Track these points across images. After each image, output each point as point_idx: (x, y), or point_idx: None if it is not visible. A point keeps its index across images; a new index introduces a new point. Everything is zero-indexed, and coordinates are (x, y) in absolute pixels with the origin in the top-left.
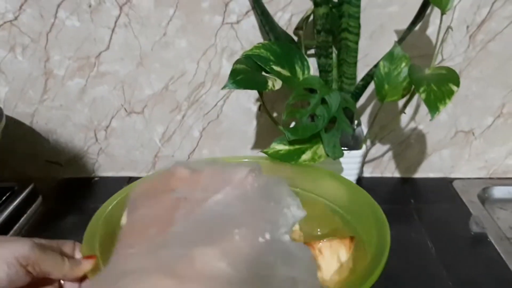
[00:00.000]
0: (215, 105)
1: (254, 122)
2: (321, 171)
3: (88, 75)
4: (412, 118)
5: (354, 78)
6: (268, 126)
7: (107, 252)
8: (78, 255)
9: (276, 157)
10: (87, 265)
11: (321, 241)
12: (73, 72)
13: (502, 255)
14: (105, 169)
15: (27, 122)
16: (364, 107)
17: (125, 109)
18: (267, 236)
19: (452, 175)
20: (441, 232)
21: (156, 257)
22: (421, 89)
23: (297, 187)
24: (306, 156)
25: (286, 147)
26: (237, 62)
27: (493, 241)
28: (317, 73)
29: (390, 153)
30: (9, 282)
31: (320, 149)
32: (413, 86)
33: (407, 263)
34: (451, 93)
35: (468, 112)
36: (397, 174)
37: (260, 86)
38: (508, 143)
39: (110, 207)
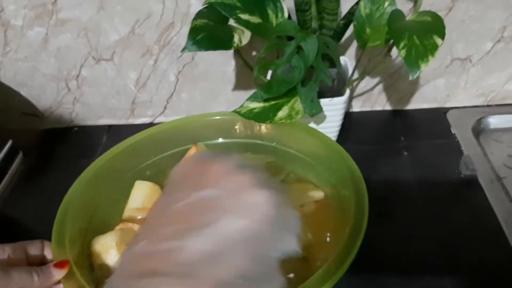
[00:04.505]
0: None
1: (233, 62)
2: (297, 125)
3: (47, 23)
4: None
5: (337, 14)
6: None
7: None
8: (48, 254)
9: (250, 116)
10: (59, 275)
11: None
12: (31, 21)
13: (490, 201)
14: (84, 118)
15: None
16: (350, 40)
17: (93, 56)
18: (240, 280)
19: (447, 105)
20: (429, 175)
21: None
22: (401, 45)
23: (273, 141)
24: (282, 113)
25: (261, 104)
26: (197, 16)
27: (483, 185)
28: (293, 15)
29: (380, 86)
30: None
31: (298, 103)
32: None
33: (391, 212)
34: (435, 48)
35: (465, 38)
36: (388, 107)
37: (224, 44)
38: (508, 68)
39: (80, 188)
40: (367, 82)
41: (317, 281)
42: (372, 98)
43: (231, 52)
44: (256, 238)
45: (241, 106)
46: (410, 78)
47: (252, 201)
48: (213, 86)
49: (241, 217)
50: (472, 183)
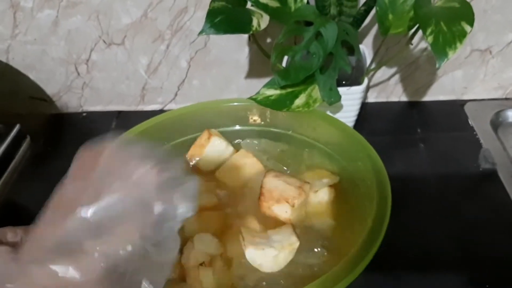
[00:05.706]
0: None
1: (246, 49)
2: (315, 113)
3: (58, 5)
4: (422, 37)
5: (356, 0)
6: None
7: None
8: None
9: (267, 103)
10: None
11: None
12: (42, 3)
13: (510, 195)
14: (93, 103)
15: (3, 59)
16: (367, 28)
17: (103, 40)
18: (129, 248)
19: (465, 97)
20: (447, 168)
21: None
22: (428, 31)
23: (290, 129)
24: (300, 100)
25: (277, 92)
26: None
27: (502, 179)
28: (311, 0)
29: (397, 76)
30: None
31: (316, 91)
32: None
33: (407, 205)
34: (463, 35)
35: (486, 29)
36: (404, 98)
37: (243, 28)
38: None
39: None
40: (384, 72)
41: (344, 269)
42: (388, 89)
43: (244, 39)
44: (142, 209)
45: (258, 93)
46: (437, 65)
47: (136, 175)
48: (225, 74)
49: (124, 192)
50: (491, 176)
